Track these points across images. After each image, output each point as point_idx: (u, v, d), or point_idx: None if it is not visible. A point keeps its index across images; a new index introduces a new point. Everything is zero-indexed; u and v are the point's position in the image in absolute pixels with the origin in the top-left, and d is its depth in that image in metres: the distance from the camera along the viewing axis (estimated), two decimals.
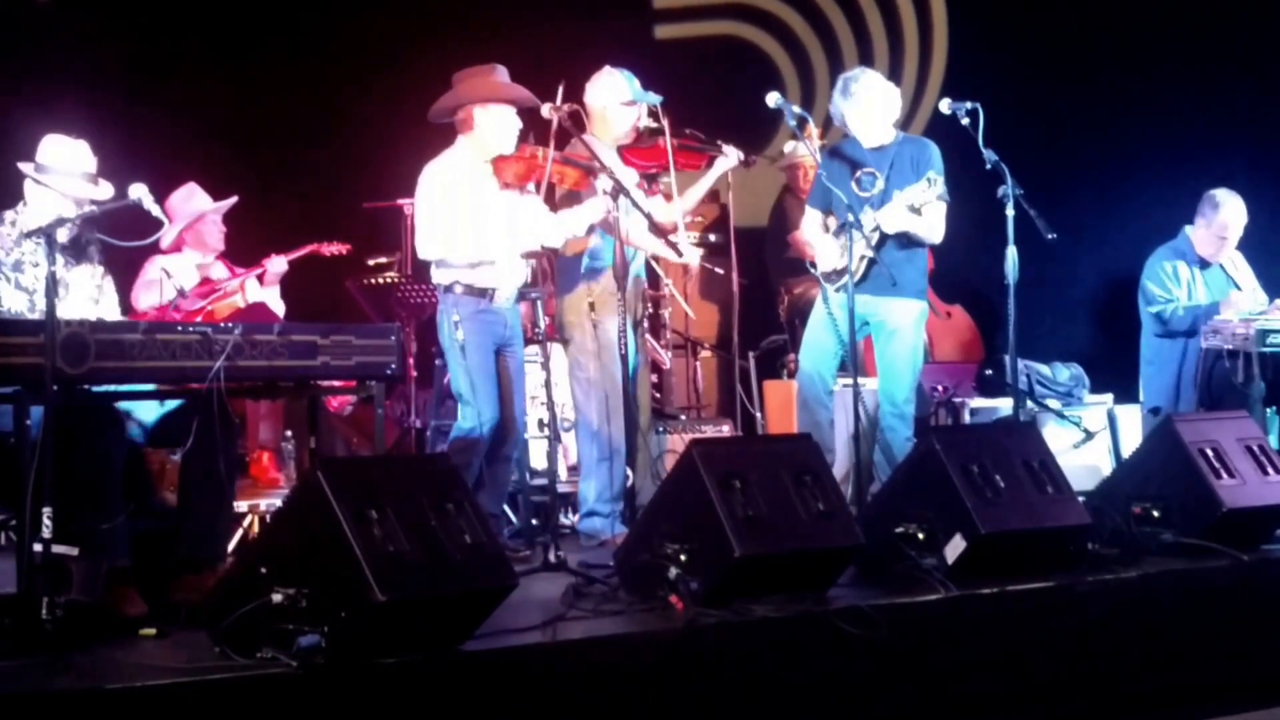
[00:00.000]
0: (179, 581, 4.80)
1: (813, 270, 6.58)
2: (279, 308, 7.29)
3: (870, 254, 6.25)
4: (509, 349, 6.14)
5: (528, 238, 6.09)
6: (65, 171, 4.93)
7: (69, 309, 4.97)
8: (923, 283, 6.50)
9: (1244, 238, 7.82)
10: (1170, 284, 7.69)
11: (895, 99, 6.56)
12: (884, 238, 6.32)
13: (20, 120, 5.31)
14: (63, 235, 4.75)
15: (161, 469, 5.09)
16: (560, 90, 5.94)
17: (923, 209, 6.35)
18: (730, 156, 6.61)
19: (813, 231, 6.58)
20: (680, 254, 6.40)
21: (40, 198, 4.92)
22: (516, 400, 6.19)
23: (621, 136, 6.48)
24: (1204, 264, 7.78)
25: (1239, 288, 7.77)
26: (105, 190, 4.98)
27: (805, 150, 8.03)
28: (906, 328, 6.44)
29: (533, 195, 6.21)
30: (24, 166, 4.97)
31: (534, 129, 6.15)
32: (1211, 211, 7.71)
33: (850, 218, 6.14)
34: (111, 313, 5.16)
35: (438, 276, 6.06)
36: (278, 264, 7.39)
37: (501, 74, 6.12)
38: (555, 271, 6.58)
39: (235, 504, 5.48)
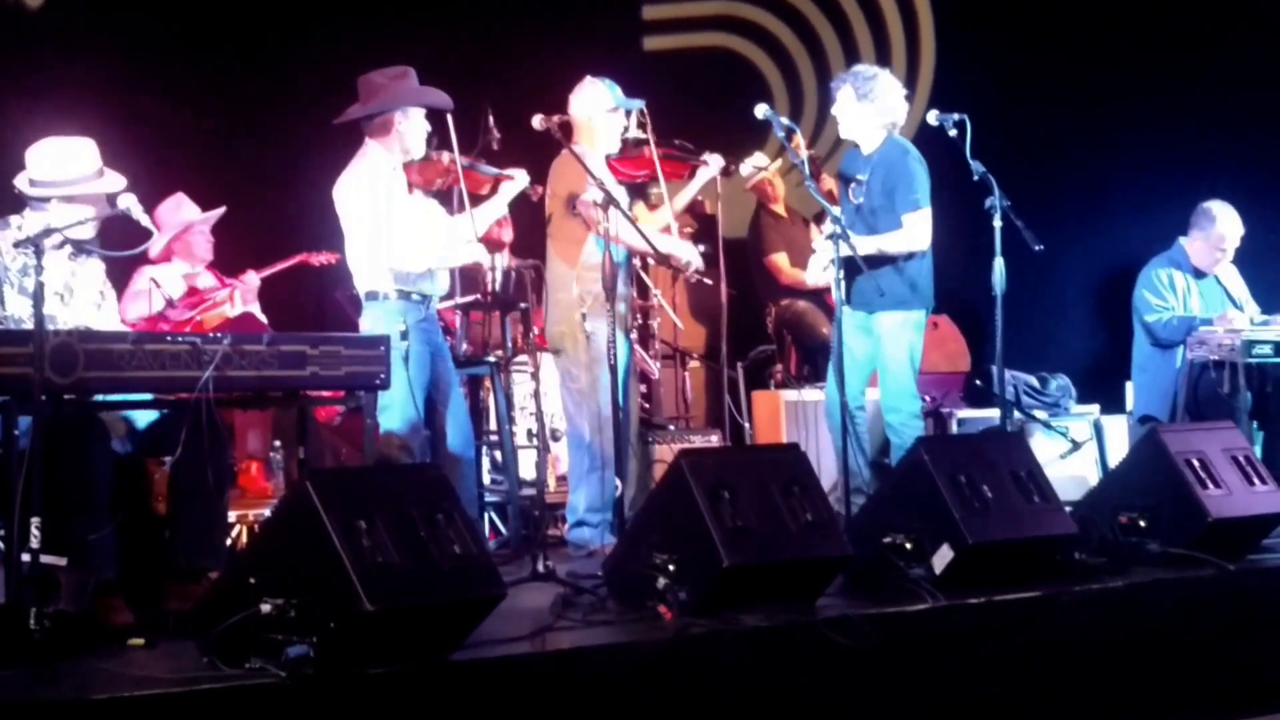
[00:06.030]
0: (170, 590, 4.79)
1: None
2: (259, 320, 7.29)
3: (840, 275, 6.21)
4: (440, 354, 6.15)
5: (458, 241, 6.09)
6: (82, 179, 4.93)
7: (74, 314, 5.00)
8: (907, 291, 6.46)
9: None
10: (1166, 293, 7.72)
11: (892, 107, 6.57)
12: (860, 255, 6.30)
13: (8, 126, 5.30)
14: (54, 241, 4.75)
15: (150, 479, 5.09)
16: None
17: (903, 220, 6.37)
18: (712, 165, 6.64)
19: (819, 241, 6.63)
20: (682, 260, 6.43)
21: (67, 214, 4.91)
22: (455, 402, 6.15)
23: (609, 145, 6.49)
24: (1199, 274, 7.80)
25: (1234, 300, 7.79)
26: (118, 181, 4.98)
27: (763, 163, 8.02)
28: (888, 335, 6.46)
29: (433, 200, 6.24)
30: (37, 189, 4.95)
31: (438, 133, 6.15)
32: (1208, 224, 7.74)
33: (837, 229, 6.15)
34: (112, 322, 5.17)
35: (370, 283, 5.99)
36: (250, 279, 7.40)
37: (413, 77, 6.12)
38: (545, 282, 6.58)
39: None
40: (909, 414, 6.47)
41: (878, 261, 6.32)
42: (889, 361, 6.48)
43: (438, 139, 6.12)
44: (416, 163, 6.11)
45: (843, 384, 6.12)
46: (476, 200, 6.20)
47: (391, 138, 6.03)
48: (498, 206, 6.25)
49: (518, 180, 6.28)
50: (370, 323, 6.00)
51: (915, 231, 6.42)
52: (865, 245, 6.29)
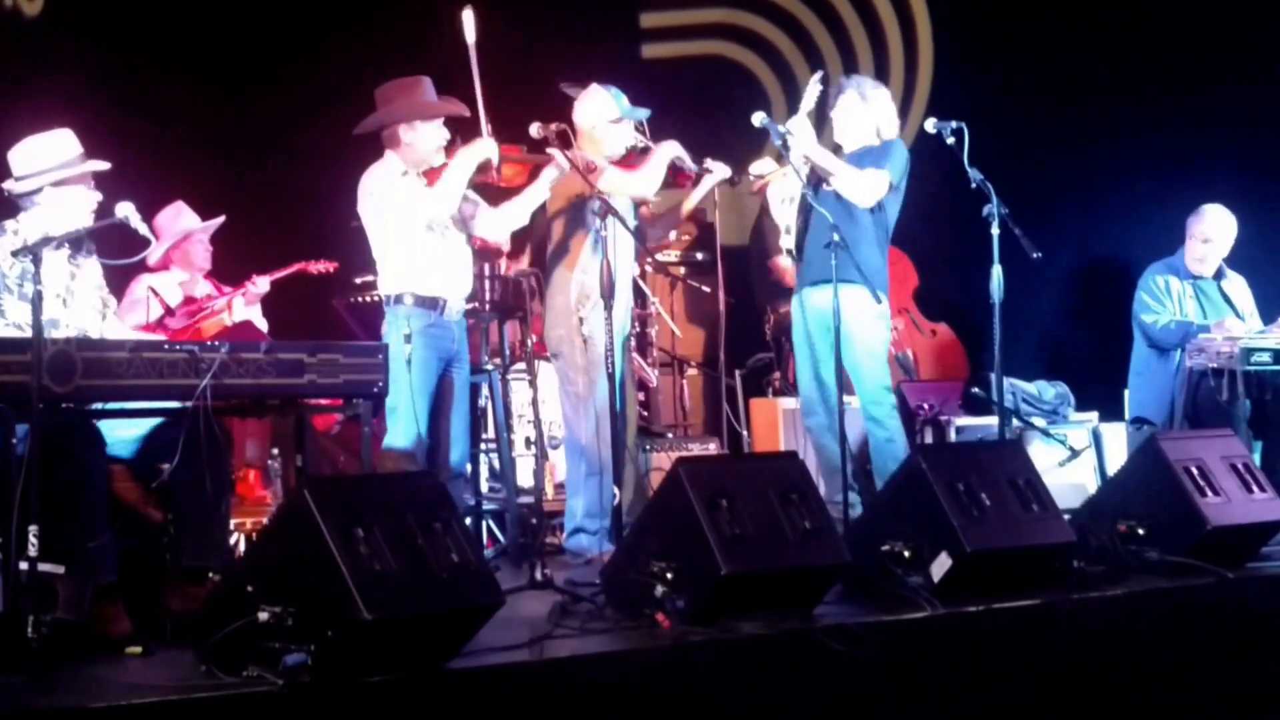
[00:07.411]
0: (172, 590, 4.79)
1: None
2: (261, 326, 7.29)
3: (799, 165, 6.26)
4: (456, 364, 6.11)
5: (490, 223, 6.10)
6: (68, 163, 4.96)
7: (75, 315, 5.01)
8: (867, 266, 6.26)
9: (1230, 256, 7.85)
10: (1162, 296, 7.72)
11: (889, 119, 6.60)
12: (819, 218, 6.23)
13: (6, 131, 5.32)
14: (52, 245, 4.75)
15: (148, 486, 5.08)
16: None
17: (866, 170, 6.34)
18: (717, 172, 6.64)
19: (764, 165, 6.68)
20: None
21: (60, 200, 4.94)
22: (457, 416, 6.13)
23: (611, 154, 6.49)
24: (1197, 280, 7.80)
25: (1237, 310, 7.79)
26: (102, 163, 5.02)
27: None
28: (853, 319, 6.20)
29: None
30: (26, 182, 4.97)
31: (463, 136, 6.14)
32: (1195, 221, 7.76)
33: (836, 237, 6.13)
34: (116, 333, 5.17)
35: (387, 286, 6.01)
36: (260, 284, 7.40)
37: (427, 87, 6.09)
38: (544, 288, 6.57)
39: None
40: (890, 405, 6.46)
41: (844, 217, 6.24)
42: (865, 358, 6.41)
43: (463, 141, 6.09)
44: (441, 169, 6.03)
45: (840, 380, 6.11)
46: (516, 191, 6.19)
47: (402, 149, 6.03)
48: (538, 192, 6.15)
49: (558, 161, 6.11)
50: (385, 328, 6.02)
51: (870, 182, 6.34)
52: (822, 156, 6.28)
